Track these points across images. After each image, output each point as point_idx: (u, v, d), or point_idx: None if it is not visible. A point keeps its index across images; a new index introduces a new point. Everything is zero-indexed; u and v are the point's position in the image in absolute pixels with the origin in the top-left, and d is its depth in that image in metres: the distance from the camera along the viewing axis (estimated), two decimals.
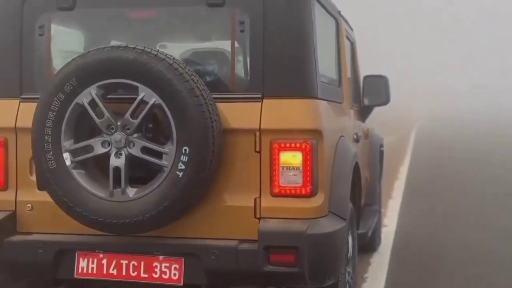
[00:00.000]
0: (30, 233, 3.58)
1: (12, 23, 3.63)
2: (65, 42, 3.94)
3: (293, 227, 3.25)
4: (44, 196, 3.55)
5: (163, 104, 3.18)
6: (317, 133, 3.31)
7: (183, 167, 3.15)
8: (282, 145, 3.30)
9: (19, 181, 3.61)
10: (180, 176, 3.15)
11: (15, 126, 3.59)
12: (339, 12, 4.33)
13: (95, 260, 3.47)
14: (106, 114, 3.24)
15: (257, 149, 3.33)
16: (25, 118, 3.57)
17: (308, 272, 3.22)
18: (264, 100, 3.35)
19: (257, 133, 3.32)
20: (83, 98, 3.26)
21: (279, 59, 3.35)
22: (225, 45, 3.64)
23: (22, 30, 3.63)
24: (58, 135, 3.28)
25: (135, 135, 3.24)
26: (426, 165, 13.29)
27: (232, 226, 3.36)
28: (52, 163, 3.28)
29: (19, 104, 3.62)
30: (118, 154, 3.26)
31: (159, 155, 3.24)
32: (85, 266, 3.47)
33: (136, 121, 3.22)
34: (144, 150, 3.24)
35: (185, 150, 3.14)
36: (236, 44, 3.51)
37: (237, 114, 3.34)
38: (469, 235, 6.71)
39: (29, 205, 3.59)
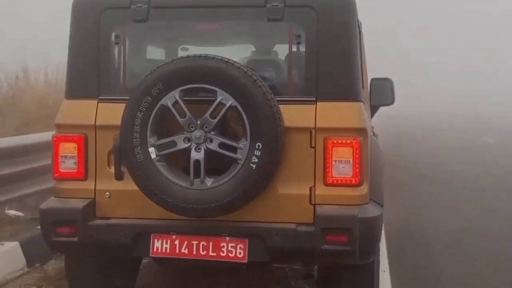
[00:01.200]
0: (108, 218, 4.08)
1: (92, 32, 4.12)
2: (138, 51, 4.44)
3: (346, 211, 3.85)
4: (121, 185, 4.07)
5: (238, 106, 3.72)
6: (363, 131, 3.92)
7: (256, 160, 3.71)
8: (335, 141, 3.89)
9: (98, 172, 4.11)
10: (254, 168, 3.71)
11: (94, 124, 4.08)
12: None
13: (168, 241, 3.99)
14: (188, 114, 3.78)
15: (312, 145, 3.91)
16: (103, 116, 4.08)
17: (358, 250, 3.83)
18: (317, 103, 3.93)
19: (313, 131, 3.90)
20: (168, 100, 3.78)
21: (331, 67, 3.93)
22: (282, 55, 4.20)
23: (99, 38, 4.12)
24: (145, 132, 3.79)
25: (213, 132, 3.78)
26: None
27: (290, 211, 3.94)
28: (139, 157, 3.79)
29: (97, 104, 4.11)
30: (197, 149, 3.79)
31: (233, 149, 3.78)
32: (159, 246, 3.99)
33: (214, 121, 3.76)
34: (221, 145, 3.78)
35: (258, 145, 3.70)
36: (292, 54, 4.09)
37: (294, 114, 3.90)
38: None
39: (107, 193, 4.09)
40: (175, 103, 3.78)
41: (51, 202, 4.13)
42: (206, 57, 3.75)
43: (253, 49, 4.60)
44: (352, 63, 3.96)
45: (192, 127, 3.79)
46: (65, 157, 4.12)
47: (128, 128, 3.79)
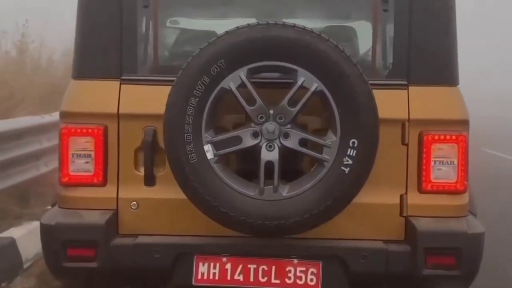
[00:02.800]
0: (135, 235, 3.12)
1: None
2: (177, 17, 3.45)
3: (452, 226, 3.05)
4: (153, 193, 3.13)
5: (325, 91, 2.84)
6: (467, 124, 3.12)
7: (349, 162, 2.84)
8: (435, 136, 3.07)
9: (121, 176, 3.13)
10: (346, 172, 2.84)
11: (117, 112, 3.10)
12: None
13: (217, 265, 3.08)
14: (258, 100, 2.86)
15: (405, 142, 3.08)
16: (129, 102, 3.11)
17: (467, 274, 3.05)
18: (410, 87, 3.10)
19: (406, 124, 3.07)
20: (231, 82, 2.85)
21: (426, 43, 3.11)
22: (364, 25, 3.33)
23: (122, 0, 3.13)
24: (200, 124, 2.85)
25: (289, 125, 2.88)
26: None
27: (375, 225, 3.11)
28: (192, 157, 2.84)
29: (120, 86, 3.12)
30: (269, 147, 2.88)
31: (318, 148, 2.91)
32: (205, 271, 3.07)
33: (293, 110, 2.86)
34: (302, 142, 2.89)
35: (353, 142, 2.83)
36: (377, 26, 3.23)
37: (381, 102, 3.06)
38: None
39: (134, 203, 3.13)
40: (241, 86, 2.86)
41: (58, 216, 3.11)
42: (284, 25, 2.84)
43: (323, 20, 3.71)
44: (452, 39, 3.15)
45: (262, 118, 2.88)
46: (78, 155, 3.11)
47: (176, 119, 2.83)
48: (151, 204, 3.12)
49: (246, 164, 3.02)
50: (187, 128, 2.83)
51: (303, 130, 2.92)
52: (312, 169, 2.94)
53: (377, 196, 3.07)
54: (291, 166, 3.02)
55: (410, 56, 3.10)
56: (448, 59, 3.13)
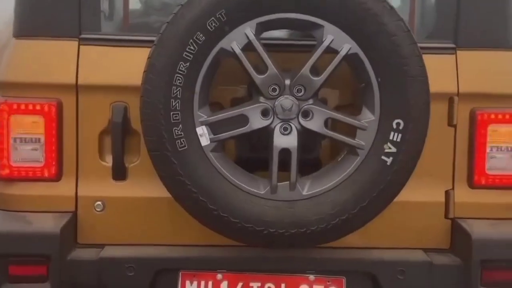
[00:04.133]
0: (101, 245, 2.36)
1: None
2: None
3: None
4: (123, 189, 2.37)
5: (361, 54, 2.11)
6: None
7: (393, 149, 2.12)
8: (492, 116, 2.38)
9: (81, 167, 2.36)
10: (388, 162, 2.12)
11: (76, 83, 2.31)
12: None
13: (210, 284, 2.34)
14: (271, 67, 2.11)
15: (452, 122, 2.38)
16: (90, 69, 2.33)
17: None
18: (458, 52, 2.39)
19: (454, 99, 2.37)
20: (234, 42, 2.09)
21: None
22: None
23: None
24: (191, 99, 2.10)
25: (311, 100, 2.15)
26: None
27: (414, 230, 2.41)
28: (181, 143, 2.09)
29: (78, 48, 2.33)
30: (284, 129, 2.15)
31: (349, 131, 2.19)
32: None
33: (318, 80, 2.12)
34: (328, 123, 2.16)
35: (397, 124, 2.12)
36: None
37: None
38: None
39: (99, 203, 2.36)
40: (247, 47, 2.11)
41: None
42: None
43: None
44: None
45: (275, 91, 2.14)
46: (22, 140, 2.32)
47: (159, 92, 2.07)
48: (121, 205, 2.36)
49: (253, 152, 2.30)
50: (173, 103, 2.07)
51: (332, 108, 2.19)
52: (339, 159, 2.22)
53: (415, 192, 2.35)
54: (310, 155, 2.30)
55: (460, 11, 2.39)
56: (505, 18, 2.43)
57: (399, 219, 2.39)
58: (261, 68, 2.13)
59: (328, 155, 2.38)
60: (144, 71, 2.07)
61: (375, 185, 2.13)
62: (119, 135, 2.32)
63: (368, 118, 2.14)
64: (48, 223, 2.28)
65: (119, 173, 2.35)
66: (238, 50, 2.09)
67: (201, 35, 2.06)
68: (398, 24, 2.08)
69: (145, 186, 2.34)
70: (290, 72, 2.14)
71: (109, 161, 2.35)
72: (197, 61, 2.07)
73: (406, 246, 2.40)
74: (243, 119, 2.13)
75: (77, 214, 2.35)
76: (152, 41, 2.10)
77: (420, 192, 2.38)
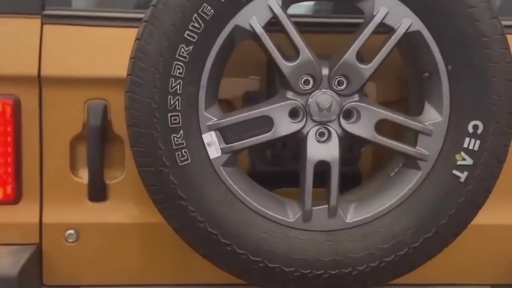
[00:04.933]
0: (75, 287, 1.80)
1: None
2: None
3: None
4: (102, 214, 1.81)
5: (425, 33, 1.56)
6: None
7: (468, 161, 1.57)
8: None
9: (47, 185, 1.79)
10: (462, 178, 1.57)
11: (38, 74, 1.74)
12: None
13: None
14: (305, 51, 1.55)
15: None
16: (57, 56, 1.75)
17: None
18: None
19: None
20: (253, 17, 1.53)
21: None
22: None
23: None
24: (196, 94, 1.53)
25: (357, 96, 1.59)
26: None
27: (483, 261, 1.88)
28: (182, 155, 1.52)
29: (41, 29, 1.75)
30: (320, 135, 1.59)
31: (406, 136, 1.65)
32: None
33: (367, 67, 1.57)
34: (380, 126, 1.61)
35: (475, 127, 1.57)
36: None
37: None
38: None
39: (72, 231, 1.80)
40: (271, 24, 1.55)
41: None
42: None
43: None
44: None
45: (309, 83, 1.57)
46: None
47: (152, 86, 1.50)
48: (100, 234, 1.80)
49: (278, 166, 1.75)
50: (172, 102, 1.51)
51: (381, 105, 1.63)
52: (392, 173, 1.67)
53: (489, 214, 1.80)
54: (347, 167, 1.75)
55: None
56: None
57: (469, 248, 1.85)
58: (289, 53, 1.58)
59: (369, 165, 1.83)
60: (131, 58, 1.51)
61: (444, 209, 1.58)
62: (97, 142, 1.75)
63: (433, 119, 1.59)
64: (3, 261, 1.71)
65: (98, 192, 1.79)
66: (259, 29, 1.53)
67: (208, 7, 1.49)
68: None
69: (131, 210, 1.79)
70: (328, 58, 1.59)
71: (84, 176, 1.79)
72: (204, 43, 1.51)
73: (472, 282, 1.87)
74: (266, 122, 1.57)
75: (42, 247, 1.79)
76: (140, 19, 1.53)
77: (494, 214, 1.83)
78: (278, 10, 1.52)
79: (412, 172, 1.61)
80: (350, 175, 1.78)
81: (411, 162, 1.61)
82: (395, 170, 1.66)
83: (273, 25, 1.55)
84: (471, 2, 1.52)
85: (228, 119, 1.56)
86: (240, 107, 1.78)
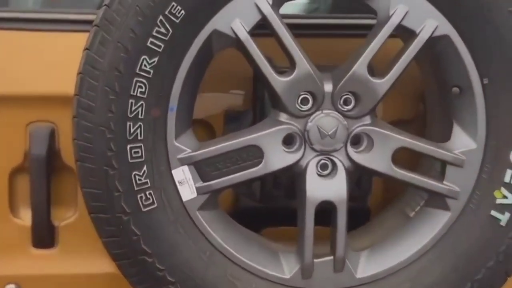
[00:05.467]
0: None
1: None
2: None
3: None
4: (49, 263, 1.47)
5: (455, 38, 1.23)
6: None
7: (511, 199, 1.25)
8: None
9: None
10: (503, 221, 1.24)
11: None
12: None
13: None
14: (303, 62, 1.21)
15: None
16: None
17: None
18: None
19: None
20: (236, 20, 1.18)
21: None
22: None
23: None
24: (162, 119, 1.19)
25: (369, 118, 1.25)
26: None
27: None
28: (146, 197, 1.18)
29: None
30: (322, 167, 1.25)
31: (431, 169, 1.32)
32: None
33: (382, 82, 1.23)
34: (395, 157, 1.27)
35: None
36: None
37: None
38: None
39: (12, 286, 1.44)
40: (258, 28, 1.21)
41: None
42: None
43: None
44: None
45: (307, 103, 1.23)
46: None
47: (105, 109, 1.15)
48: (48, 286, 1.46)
49: (269, 202, 1.42)
50: (132, 129, 1.16)
51: (399, 130, 1.29)
52: (412, 214, 1.34)
53: None
54: (353, 202, 1.41)
55: None
56: None
57: None
58: (281, 64, 1.24)
59: (379, 198, 1.50)
60: (78, 74, 1.16)
61: (480, 261, 1.26)
62: (42, 175, 1.40)
63: (465, 146, 1.26)
64: None
65: (44, 236, 1.44)
66: (244, 34, 1.19)
67: (178, 7, 1.14)
68: None
69: (85, 258, 1.45)
70: (331, 71, 1.25)
71: (26, 217, 1.44)
72: (173, 54, 1.16)
73: None
74: (254, 153, 1.22)
75: None
76: (90, 22, 1.18)
77: None
78: (268, 10, 1.18)
79: (438, 213, 1.28)
80: (356, 211, 1.45)
81: (437, 200, 1.28)
82: (416, 210, 1.33)
83: (261, 28, 1.21)
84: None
85: (205, 150, 1.21)
86: (221, 129, 1.44)
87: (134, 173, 1.16)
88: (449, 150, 1.26)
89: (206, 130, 1.44)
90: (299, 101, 1.22)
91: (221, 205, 1.31)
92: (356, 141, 1.25)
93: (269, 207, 1.44)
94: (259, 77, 1.24)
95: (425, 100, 1.43)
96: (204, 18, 1.17)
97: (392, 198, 1.45)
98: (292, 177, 1.27)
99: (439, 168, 1.29)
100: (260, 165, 1.22)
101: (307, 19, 1.53)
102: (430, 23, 1.21)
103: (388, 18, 1.21)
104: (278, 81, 1.21)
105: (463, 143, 1.26)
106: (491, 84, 1.23)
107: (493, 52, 1.22)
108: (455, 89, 1.27)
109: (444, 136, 1.30)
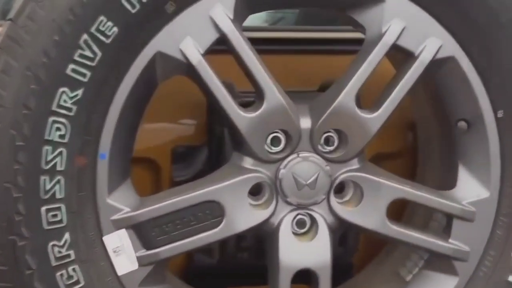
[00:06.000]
0: None
1: None
2: None
3: None
4: None
5: (463, 60, 0.97)
6: None
7: None
8: None
9: None
10: None
11: None
12: None
13: None
14: (274, 92, 0.94)
15: None
16: None
17: None
18: None
19: None
20: (187, 38, 0.90)
21: None
22: None
23: None
24: (91, 171, 0.90)
25: (355, 162, 0.99)
26: None
27: None
28: (69, 274, 0.89)
29: None
30: (299, 225, 0.98)
31: (434, 227, 1.07)
32: None
33: (373, 117, 0.97)
34: (391, 210, 1.01)
35: None
36: None
37: None
38: None
39: None
40: (215, 48, 0.93)
41: None
42: None
43: None
44: None
45: (279, 143, 0.96)
46: None
47: (10, 160, 0.86)
48: None
49: (230, 262, 1.15)
50: (48, 184, 0.87)
51: (395, 176, 1.03)
52: (408, 278, 1.08)
53: None
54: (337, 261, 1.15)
55: None
56: None
57: None
58: (246, 95, 0.97)
59: (365, 252, 1.24)
60: None
61: None
62: None
63: (475, 195, 1.01)
64: None
65: None
66: (196, 57, 0.91)
67: (109, 23, 0.86)
68: None
69: None
70: (309, 101, 0.99)
71: None
72: (103, 83, 0.88)
73: None
74: (212, 210, 0.95)
75: None
76: None
77: None
78: (228, 27, 0.91)
79: (443, 279, 1.02)
80: (335, 266, 1.19)
81: (441, 262, 1.02)
82: (413, 272, 1.07)
83: (219, 50, 0.93)
84: None
85: (149, 208, 0.93)
86: (168, 169, 1.16)
87: (51, 243, 0.87)
88: (456, 201, 1.01)
89: (149, 172, 1.16)
90: (268, 141, 0.95)
91: (170, 265, 1.03)
92: (341, 191, 0.99)
93: (230, 266, 1.17)
94: (217, 111, 0.97)
95: (418, 132, 1.18)
96: (144, 36, 0.89)
97: (379, 251, 1.20)
98: (266, 240, 1.00)
99: (443, 220, 1.04)
100: (221, 226, 0.94)
101: (276, 32, 1.26)
102: (433, 42, 0.96)
103: (381, 36, 0.95)
104: (242, 118, 0.93)
105: (472, 191, 1.01)
106: (507, 118, 0.99)
107: (510, 78, 0.97)
108: (462, 124, 1.02)
109: (446, 181, 1.05)
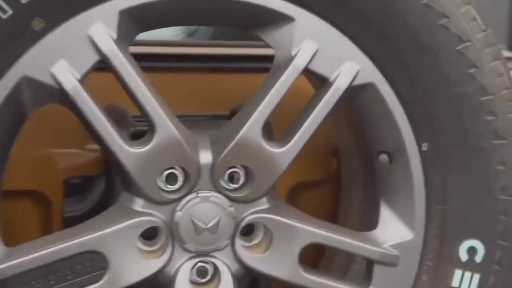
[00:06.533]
0: None
1: None
2: None
3: None
4: None
5: (383, 87, 0.86)
6: None
7: None
8: None
9: None
10: None
11: None
12: None
13: None
14: (167, 123, 0.81)
15: None
16: None
17: None
18: None
19: None
20: (60, 61, 0.77)
21: None
22: None
23: None
24: None
25: (265, 202, 0.87)
26: None
27: None
28: None
29: None
30: (202, 276, 0.86)
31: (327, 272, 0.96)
32: None
33: (282, 151, 0.85)
34: (304, 256, 0.90)
35: (472, 251, 0.89)
36: None
37: None
38: None
39: None
40: (94, 72, 0.79)
41: None
42: None
43: None
44: None
45: (175, 181, 0.84)
46: None
47: None
48: None
49: None
50: None
51: (311, 218, 0.91)
52: None
53: None
54: None
55: None
56: None
57: None
58: (134, 124, 0.85)
59: None
60: None
61: None
62: None
63: (398, 237, 0.90)
64: None
65: None
66: (71, 82, 0.77)
67: None
68: (468, 15, 0.86)
69: None
70: (209, 132, 0.86)
71: None
72: None
73: None
74: (93, 262, 0.81)
75: None
76: None
77: None
78: (109, 48, 0.77)
79: None
80: None
81: None
82: None
83: (100, 74, 0.80)
84: (461, 33, 0.84)
85: (16, 261, 0.78)
86: (60, 203, 1.03)
87: None
88: (377, 244, 0.89)
89: (37, 208, 1.02)
90: (163, 178, 0.82)
91: None
92: (249, 233, 0.87)
93: None
94: (99, 145, 0.83)
95: (340, 160, 1.07)
96: (5, 58, 0.75)
97: None
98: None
99: (364, 264, 0.93)
100: (103, 280, 0.81)
101: (184, 48, 1.13)
102: (349, 67, 0.85)
103: (291, 58, 0.83)
104: (128, 154, 0.80)
105: (395, 232, 0.90)
106: (432, 151, 0.88)
107: (436, 108, 0.87)
108: (383, 157, 0.91)
109: (368, 220, 0.94)
